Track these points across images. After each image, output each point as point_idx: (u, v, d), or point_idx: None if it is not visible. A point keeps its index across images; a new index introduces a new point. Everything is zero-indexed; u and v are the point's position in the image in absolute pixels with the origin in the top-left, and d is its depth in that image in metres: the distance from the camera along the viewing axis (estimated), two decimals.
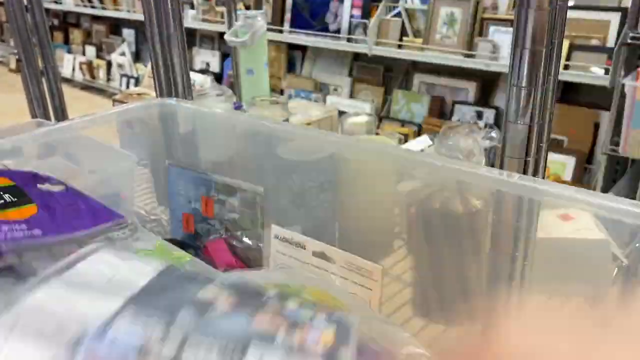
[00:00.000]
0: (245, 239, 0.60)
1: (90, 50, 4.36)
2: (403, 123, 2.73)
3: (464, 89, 2.62)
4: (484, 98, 2.59)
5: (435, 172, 0.54)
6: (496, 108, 2.50)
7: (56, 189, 0.45)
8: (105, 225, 0.43)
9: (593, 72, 2.07)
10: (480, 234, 0.54)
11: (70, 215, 0.42)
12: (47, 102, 1.51)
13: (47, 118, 1.47)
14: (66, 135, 0.63)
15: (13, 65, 4.33)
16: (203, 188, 0.61)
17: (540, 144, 0.51)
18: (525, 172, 0.51)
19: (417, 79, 2.76)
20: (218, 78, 3.45)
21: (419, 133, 2.61)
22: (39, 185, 0.44)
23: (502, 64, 2.30)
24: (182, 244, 0.55)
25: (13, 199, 0.40)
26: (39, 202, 0.41)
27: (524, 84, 0.48)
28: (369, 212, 0.61)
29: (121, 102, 1.35)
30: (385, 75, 2.91)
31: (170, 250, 0.41)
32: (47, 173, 0.47)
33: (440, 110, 2.68)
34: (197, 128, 0.69)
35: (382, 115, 2.80)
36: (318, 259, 0.52)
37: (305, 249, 0.53)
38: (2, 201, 0.39)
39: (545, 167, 0.53)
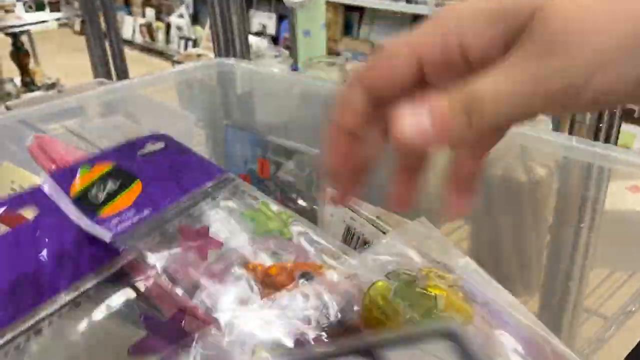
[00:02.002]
0: (300, 201, 0.60)
1: (150, 12, 4.42)
2: None
3: None
4: None
5: None
6: None
7: (157, 147, 0.44)
8: (211, 183, 0.42)
9: None
10: (543, 203, 0.52)
11: (176, 175, 0.41)
12: (109, 63, 1.55)
13: (109, 78, 1.51)
14: (127, 93, 0.64)
15: (78, 27, 4.46)
16: (259, 149, 0.61)
17: (614, 110, 0.48)
18: (596, 138, 0.48)
19: None
20: (274, 39, 3.44)
21: None
22: (138, 153, 0.42)
23: None
24: None
25: (115, 186, 0.39)
26: (142, 174, 0.40)
27: None
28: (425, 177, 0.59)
29: (181, 63, 1.37)
30: None
31: (272, 209, 0.40)
32: (145, 134, 0.45)
33: None
34: (255, 88, 0.69)
35: None
36: (372, 224, 0.52)
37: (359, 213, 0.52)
38: (106, 193, 0.39)
39: (618, 134, 0.50)
